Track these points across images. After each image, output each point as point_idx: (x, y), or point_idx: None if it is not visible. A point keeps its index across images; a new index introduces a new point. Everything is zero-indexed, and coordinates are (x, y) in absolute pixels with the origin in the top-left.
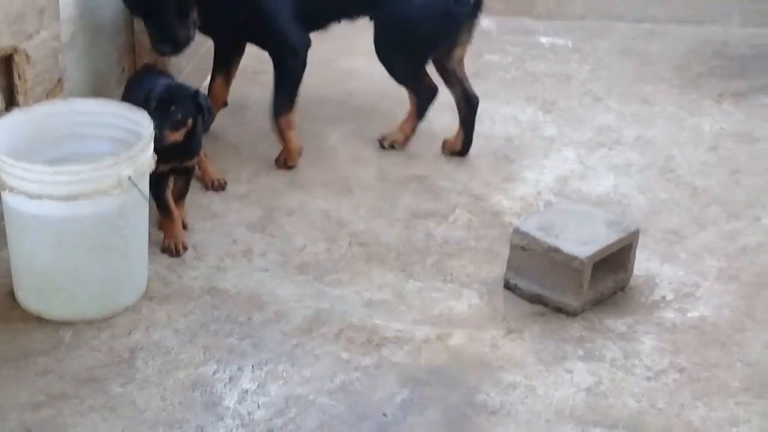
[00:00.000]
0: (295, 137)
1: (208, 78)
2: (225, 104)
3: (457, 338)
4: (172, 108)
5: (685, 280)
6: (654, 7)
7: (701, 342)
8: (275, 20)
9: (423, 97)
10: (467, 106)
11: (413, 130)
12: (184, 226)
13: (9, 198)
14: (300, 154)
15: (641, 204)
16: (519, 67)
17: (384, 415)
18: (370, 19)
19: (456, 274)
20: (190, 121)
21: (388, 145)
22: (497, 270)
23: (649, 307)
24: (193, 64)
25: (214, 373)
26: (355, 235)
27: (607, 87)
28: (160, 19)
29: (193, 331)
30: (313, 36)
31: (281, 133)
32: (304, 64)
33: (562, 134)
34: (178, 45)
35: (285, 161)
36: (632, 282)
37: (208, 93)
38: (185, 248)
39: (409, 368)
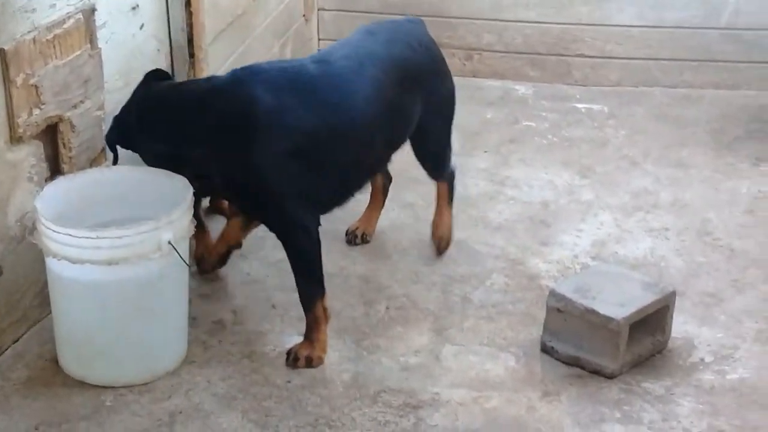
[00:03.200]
0: (326, 330)
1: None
2: (239, 245)
3: (494, 401)
4: None
5: (723, 342)
6: (689, 72)
7: (740, 404)
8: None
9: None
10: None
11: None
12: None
13: (53, 264)
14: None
15: (679, 267)
16: (556, 133)
17: None
18: None
19: (493, 338)
20: None
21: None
22: (534, 333)
23: (687, 369)
24: None
25: None
26: (392, 299)
27: (644, 151)
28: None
29: (232, 395)
30: None
31: (316, 324)
32: (317, 242)
33: (598, 198)
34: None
35: (308, 359)
36: (670, 344)
37: (225, 230)
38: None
39: (447, 431)
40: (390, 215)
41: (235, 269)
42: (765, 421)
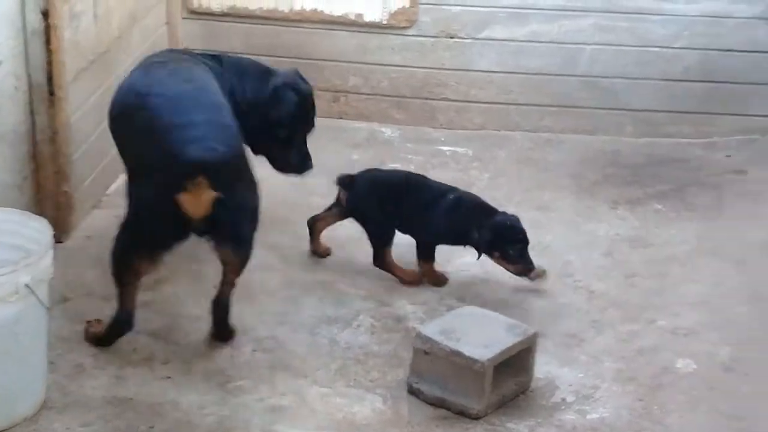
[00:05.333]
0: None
1: None
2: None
3: None
4: None
5: (584, 382)
6: (549, 118)
7: None
8: None
9: None
10: None
11: None
12: None
13: None
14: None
15: (541, 308)
16: None
17: None
18: None
19: (360, 379)
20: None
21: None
22: (401, 374)
23: (549, 409)
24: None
25: None
26: (258, 341)
27: (507, 194)
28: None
29: None
30: None
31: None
32: None
33: None
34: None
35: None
36: (533, 385)
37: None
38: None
39: None
40: (256, 254)
41: (97, 311)
42: None
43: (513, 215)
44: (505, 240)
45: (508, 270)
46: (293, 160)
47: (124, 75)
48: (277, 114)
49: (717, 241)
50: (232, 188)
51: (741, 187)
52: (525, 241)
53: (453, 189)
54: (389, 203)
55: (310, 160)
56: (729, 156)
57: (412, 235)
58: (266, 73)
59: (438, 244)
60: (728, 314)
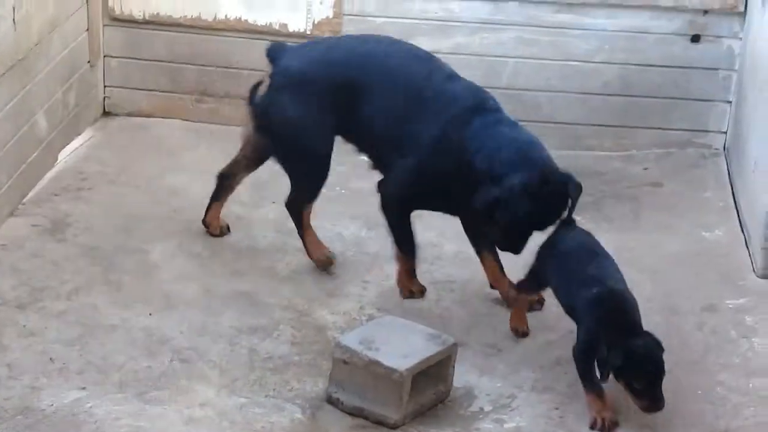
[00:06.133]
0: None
1: None
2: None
3: None
4: None
5: (502, 391)
6: None
7: None
8: None
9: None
10: None
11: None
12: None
13: None
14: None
15: (461, 317)
16: (343, 185)
17: None
18: None
19: (279, 389)
20: None
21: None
22: (320, 384)
23: (467, 418)
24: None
25: None
26: (177, 352)
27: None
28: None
29: None
30: (141, 150)
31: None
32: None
33: (384, 250)
34: None
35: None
36: (452, 394)
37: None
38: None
39: None
40: (176, 263)
41: (11, 321)
42: None
43: (652, 339)
44: (635, 370)
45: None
46: (502, 245)
47: (42, 82)
48: (501, 218)
49: (634, 252)
50: None
51: (657, 199)
52: (658, 374)
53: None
54: None
55: (519, 249)
56: (646, 169)
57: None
58: (525, 158)
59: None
60: (644, 324)
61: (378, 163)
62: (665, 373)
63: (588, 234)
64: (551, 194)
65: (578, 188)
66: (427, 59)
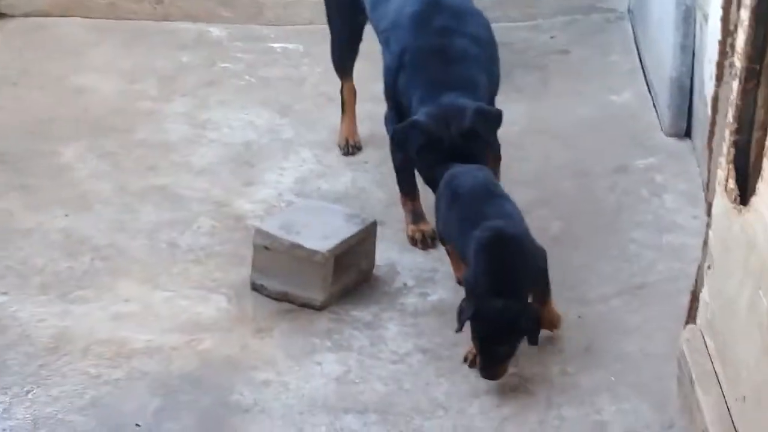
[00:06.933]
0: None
1: None
2: None
3: (208, 343)
4: None
5: (423, 266)
6: None
7: (441, 323)
8: None
9: None
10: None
11: None
12: None
13: None
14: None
15: (379, 197)
16: (253, 74)
17: (137, 425)
18: None
19: (202, 281)
20: None
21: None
22: (244, 273)
23: (392, 294)
24: None
25: None
26: (97, 250)
27: (338, 88)
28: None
29: None
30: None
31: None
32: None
33: (299, 135)
34: None
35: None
36: (375, 272)
37: None
38: None
39: (161, 377)
40: (89, 162)
41: None
42: (462, 337)
43: (513, 306)
44: (476, 328)
45: None
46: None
47: None
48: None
49: (544, 119)
50: None
51: (565, 66)
52: (494, 342)
53: None
54: None
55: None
56: (553, 37)
57: None
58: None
59: None
60: (557, 189)
61: None
62: (508, 347)
63: (484, 172)
64: (445, 127)
65: (486, 119)
66: None
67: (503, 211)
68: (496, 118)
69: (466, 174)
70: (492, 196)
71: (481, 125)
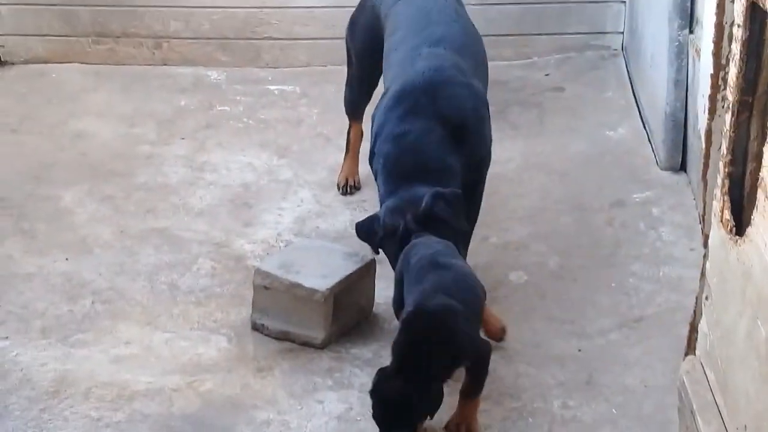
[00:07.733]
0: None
1: None
2: None
3: (209, 383)
4: None
5: None
6: None
7: None
8: None
9: None
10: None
11: None
12: None
13: None
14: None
15: None
16: (251, 116)
17: None
18: None
19: (203, 321)
20: None
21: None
22: (244, 313)
23: (391, 331)
24: None
25: None
26: (97, 293)
27: (337, 128)
28: None
29: None
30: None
31: None
32: None
33: (297, 176)
34: None
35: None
36: (375, 309)
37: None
38: None
39: (162, 418)
40: (88, 206)
41: None
42: (461, 371)
43: (409, 388)
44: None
45: None
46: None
47: None
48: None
49: (541, 156)
50: None
51: (560, 103)
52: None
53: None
54: None
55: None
56: (548, 75)
57: None
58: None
59: None
60: (554, 225)
61: None
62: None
63: (443, 244)
64: (401, 218)
65: (446, 202)
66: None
67: (442, 283)
68: (454, 198)
69: (421, 245)
70: (436, 267)
71: (440, 209)
